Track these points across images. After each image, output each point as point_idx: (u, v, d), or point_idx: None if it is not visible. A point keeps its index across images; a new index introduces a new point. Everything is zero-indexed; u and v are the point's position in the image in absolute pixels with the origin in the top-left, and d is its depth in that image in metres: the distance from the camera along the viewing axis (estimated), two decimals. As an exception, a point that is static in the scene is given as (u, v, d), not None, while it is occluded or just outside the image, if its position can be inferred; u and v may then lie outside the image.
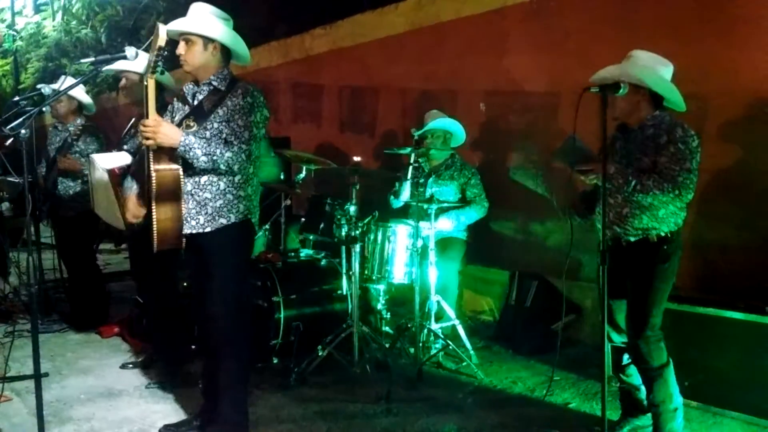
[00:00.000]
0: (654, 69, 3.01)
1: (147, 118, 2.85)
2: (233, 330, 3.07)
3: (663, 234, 2.99)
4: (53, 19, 14.06)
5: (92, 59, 3.24)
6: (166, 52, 2.81)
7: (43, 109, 3.81)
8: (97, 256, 5.50)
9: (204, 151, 2.88)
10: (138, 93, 3.88)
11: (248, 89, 3.01)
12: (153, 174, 2.89)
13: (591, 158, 3.03)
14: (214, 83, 3.07)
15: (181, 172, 2.94)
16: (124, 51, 3.30)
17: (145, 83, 2.86)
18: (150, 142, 2.85)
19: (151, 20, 9.48)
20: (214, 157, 2.89)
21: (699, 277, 4.07)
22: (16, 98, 4.57)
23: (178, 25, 3.01)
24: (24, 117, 2.98)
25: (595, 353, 4.05)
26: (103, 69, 3.46)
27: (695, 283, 4.09)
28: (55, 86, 4.73)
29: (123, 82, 4.15)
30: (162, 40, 2.79)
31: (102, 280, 5.49)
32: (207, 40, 3.02)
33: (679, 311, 3.58)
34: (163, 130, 2.85)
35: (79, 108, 5.07)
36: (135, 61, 3.71)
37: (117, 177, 3.82)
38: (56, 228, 5.31)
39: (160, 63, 2.83)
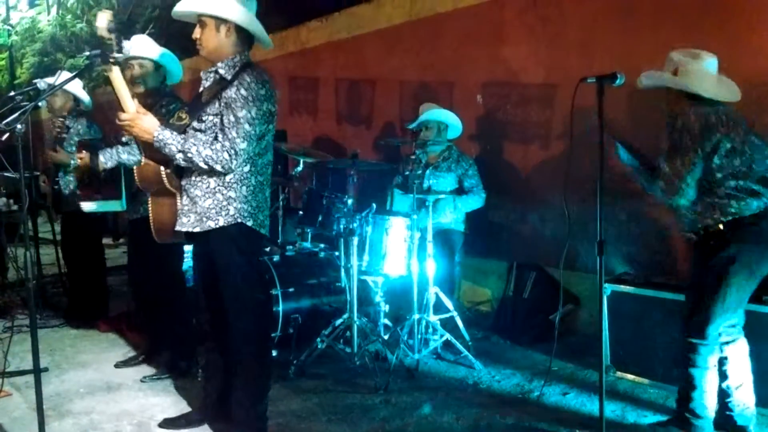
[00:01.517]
0: (682, 66, 3.01)
1: (124, 110, 2.74)
2: (246, 331, 2.94)
3: (711, 226, 2.93)
4: (48, 14, 14.00)
5: (87, 54, 3.22)
6: (112, 40, 2.63)
7: (39, 104, 3.80)
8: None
9: (179, 147, 2.72)
10: (149, 82, 3.82)
11: (245, 80, 2.77)
12: (135, 168, 2.87)
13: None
14: (221, 71, 2.86)
15: (162, 168, 2.84)
16: (121, 45, 3.30)
17: (107, 74, 2.71)
18: (129, 135, 2.81)
19: (146, 13, 9.44)
20: (189, 155, 2.71)
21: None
22: (12, 93, 4.56)
23: (187, 5, 2.85)
24: (19, 112, 2.96)
25: (594, 343, 4.06)
26: (116, 57, 3.34)
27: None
28: (51, 81, 4.72)
29: (137, 69, 3.81)
30: (101, 30, 2.58)
31: (105, 275, 5.48)
32: (219, 21, 2.81)
33: (676, 300, 3.59)
34: (140, 124, 2.73)
35: (76, 103, 5.04)
36: (147, 47, 3.67)
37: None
38: (61, 222, 5.31)
39: (108, 52, 2.64)
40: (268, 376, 3.09)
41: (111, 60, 2.66)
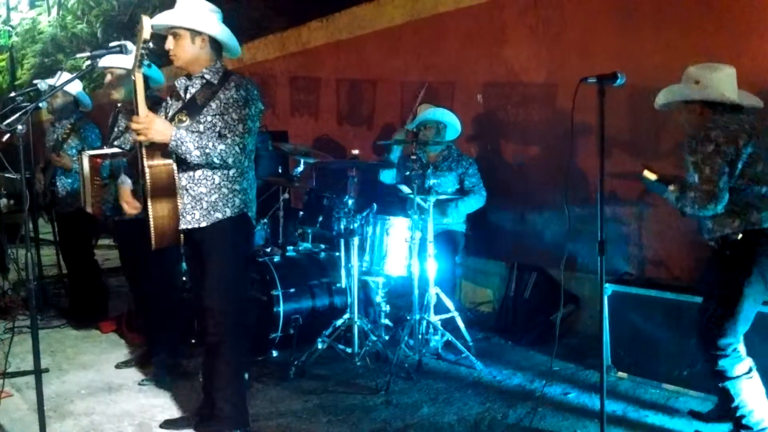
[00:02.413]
0: (703, 79, 2.96)
1: (137, 114, 2.81)
2: (232, 324, 3.04)
3: (729, 235, 2.88)
4: (49, 15, 14.03)
5: (88, 54, 3.24)
6: (151, 45, 2.76)
7: (40, 104, 3.81)
8: (95, 252, 5.48)
9: (196, 144, 2.84)
10: (125, 88, 3.86)
11: (241, 82, 2.97)
12: (147, 170, 2.86)
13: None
14: (207, 76, 3.01)
15: (175, 167, 2.91)
16: (118, 46, 3.32)
17: (133, 78, 2.80)
18: (142, 138, 2.83)
19: (147, 14, 9.46)
20: (207, 150, 2.85)
21: (697, 268, 4.08)
22: (13, 94, 4.57)
23: (163, 18, 2.95)
24: (20, 113, 2.97)
25: (594, 344, 4.07)
26: (97, 65, 3.41)
27: (694, 274, 4.10)
28: (51, 82, 4.72)
29: (108, 78, 3.99)
30: (146, 33, 2.72)
31: (99, 275, 5.48)
32: (194, 33, 2.96)
33: (677, 301, 3.60)
34: (155, 126, 2.81)
35: (75, 104, 5.05)
36: (121, 57, 3.70)
37: (98, 165, 3.83)
38: (56, 224, 5.32)
39: (146, 57, 2.78)
40: (246, 369, 3.29)
41: (146, 64, 2.83)
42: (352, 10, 6.65)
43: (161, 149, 2.86)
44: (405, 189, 4.52)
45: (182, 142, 2.83)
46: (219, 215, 2.99)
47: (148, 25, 2.73)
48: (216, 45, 3.05)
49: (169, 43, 2.99)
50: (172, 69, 3.66)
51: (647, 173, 3.20)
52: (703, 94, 2.96)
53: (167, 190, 2.91)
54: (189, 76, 3.07)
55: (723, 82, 2.97)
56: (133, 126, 2.82)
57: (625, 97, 4.21)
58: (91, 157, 3.91)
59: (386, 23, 6.24)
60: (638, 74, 3.87)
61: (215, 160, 2.87)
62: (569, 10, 4.76)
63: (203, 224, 2.99)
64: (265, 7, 7.86)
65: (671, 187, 3.04)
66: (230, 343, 3.05)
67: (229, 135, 2.90)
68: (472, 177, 4.80)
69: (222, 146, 2.86)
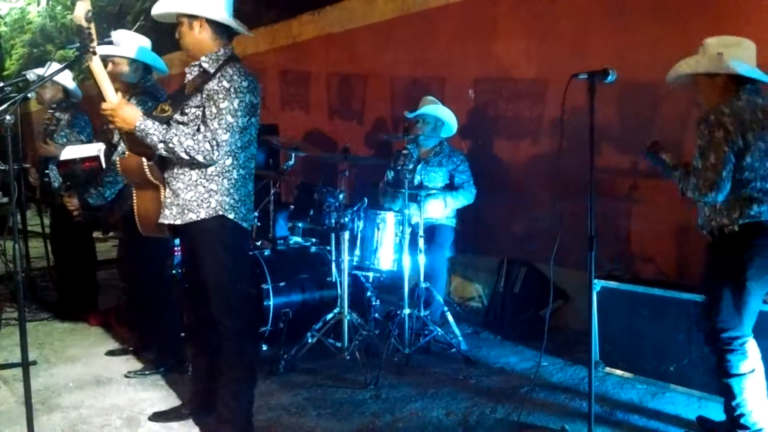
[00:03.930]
0: (727, 53, 2.82)
1: (105, 100, 2.73)
2: (229, 326, 2.89)
3: (726, 226, 2.83)
4: (38, 5, 13.92)
5: (77, 45, 3.20)
6: (89, 30, 2.58)
7: (28, 95, 3.78)
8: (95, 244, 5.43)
9: (161, 137, 2.70)
10: (125, 77, 3.82)
11: (228, 73, 2.77)
12: (117, 160, 2.86)
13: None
14: (204, 65, 2.85)
15: (144, 160, 2.82)
16: (110, 37, 3.29)
17: (86, 65, 2.69)
18: (112, 125, 2.80)
19: (137, 6, 9.39)
20: (170, 145, 2.69)
21: (685, 264, 4.11)
22: (1, 84, 4.53)
23: (158, 7, 2.85)
24: (8, 103, 2.94)
25: (583, 339, 4.08)
26: (95, 47, 3.34)
27: (681, 270, 4.13)
28: (41, 72, 4.68)
29: (110, 67, 3.87)
30: (78, 19, 2.55)
31: (95, 269, 5.44)
32: (191, 18, 2.81)
33: (664, 297, 3.62)
34: (121, 114, 2.72)
35: (65, 95, 5.01)
36: (122, 46, 3.67)
37: (65, 171, 3.89)
38: (51, 216, 5.29)
39: (87, 42, 2.60)
40: (251, 375, 3.05)
41: (90, 50, 2.63)
42: (343, 3, 6.64)
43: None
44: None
45: (147, 134, 2.70)
46: (192, 216, 2.81)
47: (80, 10, 2.54)
48: (221, 29, 2.86)
49: (178, 32, 2.87)
50: (179, 54, 3.54)
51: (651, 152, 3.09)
52: (732, 68, 2.79)
53: (142, 181, 2.87)
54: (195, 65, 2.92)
55: (747, 56, 2.86)
56: (101, 112, 2.75)
57: (617, 93, 4.22)
58: (61, 162, 3.91)
59: (377, 17, 6.23)
60: (631, 70, 3.89)
61: (182, 155, 2.71)
62: (561, 5, 4.77)
63: (178, 222, 2.84)
64: (255, 0, 7.81)
65: (678, 170, 2.95)
66: (225, 346, 2.92)
67: (202, 129, 2.73)
68: (463, 174, 4.80)
69: (189, 141, 2.70)
